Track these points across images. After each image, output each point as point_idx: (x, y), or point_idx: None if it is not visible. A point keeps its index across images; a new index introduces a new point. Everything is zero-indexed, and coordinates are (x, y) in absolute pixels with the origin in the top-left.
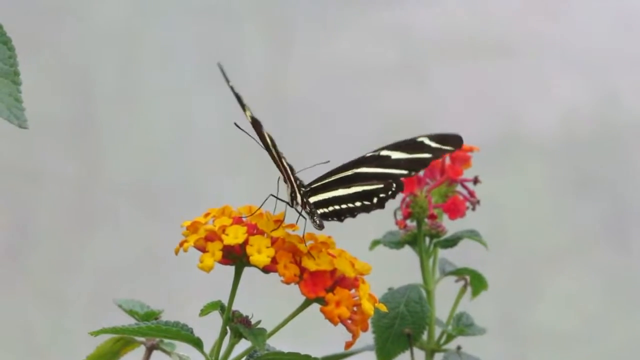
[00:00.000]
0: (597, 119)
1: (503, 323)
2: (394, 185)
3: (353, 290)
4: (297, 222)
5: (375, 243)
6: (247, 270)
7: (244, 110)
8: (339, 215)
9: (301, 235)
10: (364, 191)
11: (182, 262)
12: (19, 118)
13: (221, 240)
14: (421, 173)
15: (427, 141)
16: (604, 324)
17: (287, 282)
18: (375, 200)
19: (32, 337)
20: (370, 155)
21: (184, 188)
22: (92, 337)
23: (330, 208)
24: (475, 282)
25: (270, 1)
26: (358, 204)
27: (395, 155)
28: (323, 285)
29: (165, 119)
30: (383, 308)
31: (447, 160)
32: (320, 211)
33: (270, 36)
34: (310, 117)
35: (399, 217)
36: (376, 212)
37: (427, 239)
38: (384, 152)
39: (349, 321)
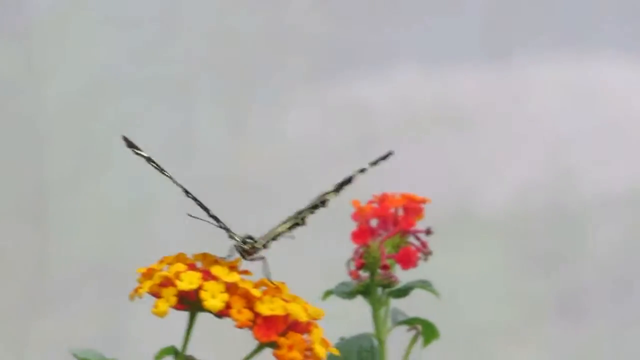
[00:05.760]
0: (552, 195)
1: None
2: None
3: (306, 335)
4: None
5: (328, 293)
6: (204, 315)
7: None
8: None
9: (255, 281)
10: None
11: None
12: None
13: (175, 286)
14: (373, 224)
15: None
16: None
17: (241, 327)
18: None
19: None
20: None
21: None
22: None
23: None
24: (426, 331)
25: (225, 81)
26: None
27: None
28: (276, 330)
29: (124, 195)
30: (336, 352)
31: (400, 211)
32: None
33: (225, 116)
34: (263, 197)
35: (352, 267)
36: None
37: (380, 289)
38: None
39: None
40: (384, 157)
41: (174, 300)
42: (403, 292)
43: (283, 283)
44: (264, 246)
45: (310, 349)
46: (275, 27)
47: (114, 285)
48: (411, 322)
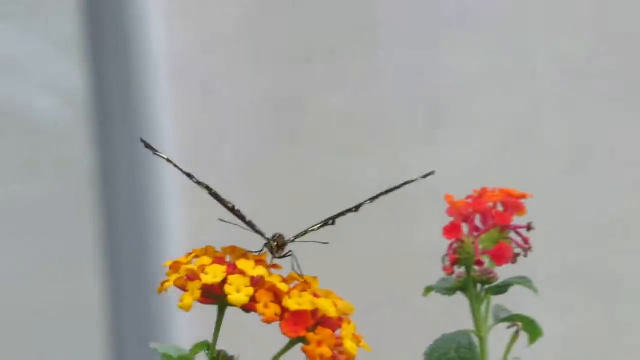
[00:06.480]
0: None
1: None
2: None
3: (338, 331)
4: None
5: (429, 290)
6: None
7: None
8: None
9: (284, 276)
10: None
11: None
12: None
13: (200, 279)
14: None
15: None
16: None
17: (267, 322)
18: None
19: None
20: None
21: None
22: None
23: None
24: (529, 328)
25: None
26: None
27: None
28: (304, 325)
29: None
30: (367, 348)
31: (500, 206)
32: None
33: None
34: None
35: (446, 263)
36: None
37: (479, 286)
38: None
39: None
40: (425, 176)
41: (198, 294)
42: (502, 288)
43: (314, 278)
44: (292, 241)
45: (340, 345)
46: None
47: None
48: (512, 319)
